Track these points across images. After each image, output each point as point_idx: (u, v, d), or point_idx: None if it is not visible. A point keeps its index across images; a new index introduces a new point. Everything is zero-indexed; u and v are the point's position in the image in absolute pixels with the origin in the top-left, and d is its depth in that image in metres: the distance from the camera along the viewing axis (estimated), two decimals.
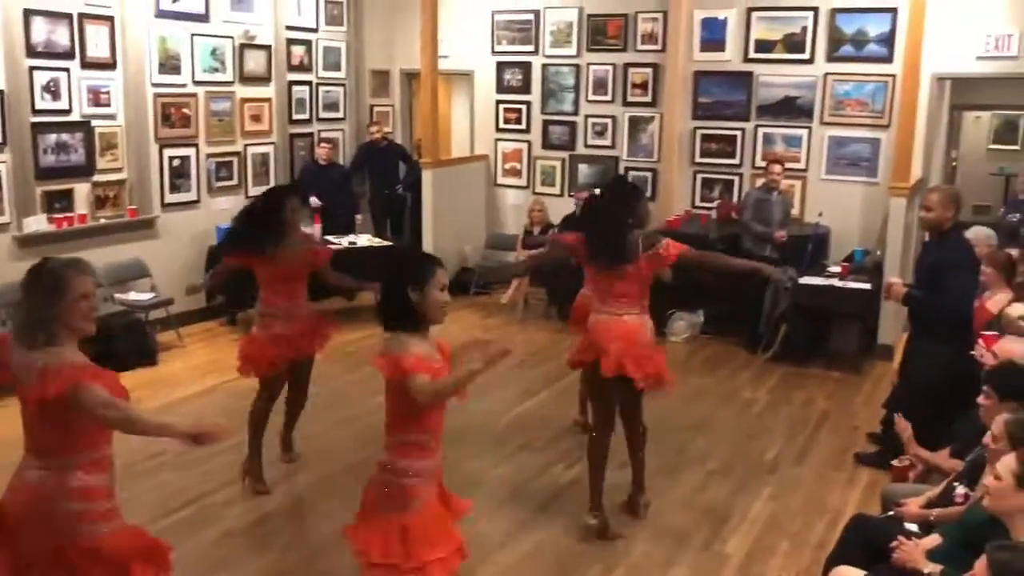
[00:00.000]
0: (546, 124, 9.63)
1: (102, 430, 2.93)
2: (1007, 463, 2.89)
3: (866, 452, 5.68)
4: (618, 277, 4.46)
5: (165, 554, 3.04)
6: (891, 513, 3.90)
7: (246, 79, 8.76)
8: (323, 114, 9.83)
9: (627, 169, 9.15)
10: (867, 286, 7.32)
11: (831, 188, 8.24)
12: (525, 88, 9.68)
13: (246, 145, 8.88)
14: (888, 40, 7.85)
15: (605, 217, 4.56)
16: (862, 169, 8.12)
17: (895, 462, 4.53)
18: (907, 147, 7.48)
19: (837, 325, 7.72)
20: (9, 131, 6.81)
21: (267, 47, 8.93)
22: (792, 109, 8.35)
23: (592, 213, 4.83)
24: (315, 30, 9.56)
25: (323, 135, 9.73)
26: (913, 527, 3.65)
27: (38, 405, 2.82)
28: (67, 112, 7.24)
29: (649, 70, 8.97)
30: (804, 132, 8.34)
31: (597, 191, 5.87)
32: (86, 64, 7.32)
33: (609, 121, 9.27)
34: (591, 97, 9.32)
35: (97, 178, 7.54)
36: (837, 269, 7.59)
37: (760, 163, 8.34)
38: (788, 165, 7.98)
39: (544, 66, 9.53)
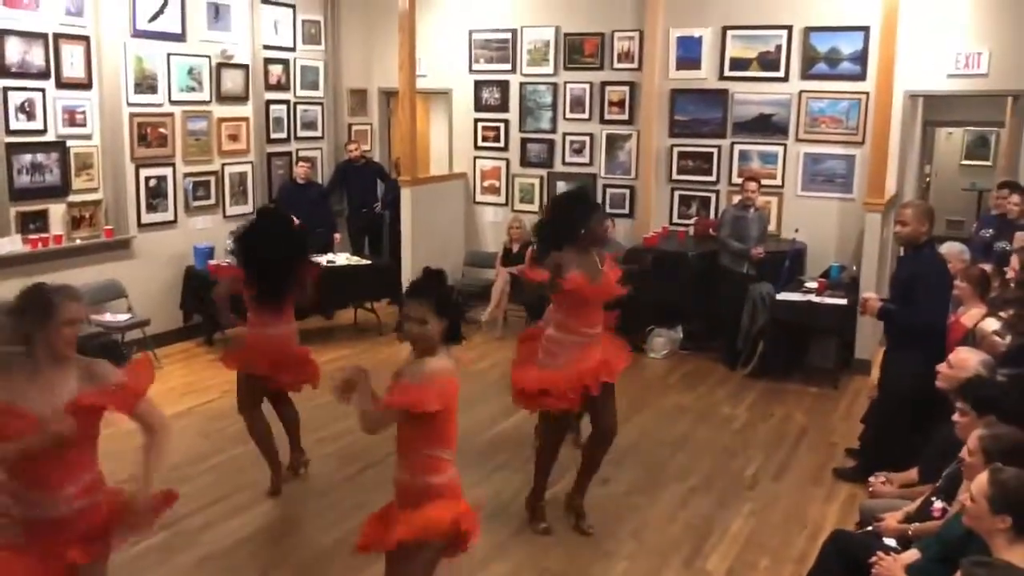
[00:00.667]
0: (524, 142, 9.66)
1: None
2: (980, 484, 2.90)
3: (844, 467, 5.71)
4: None
5: None
6: (870, 528, 3.92)
7: (223, 98, 8.73)
8: (301, 133, 9.81)
9: (605, 186, 9.21)
10: (843, 301, 7.38)
11: (807, 204, 8.31)
12: (503, 106, 9.71)
13: (223, 164, 8.84)
14: (861, 58, 7.95)
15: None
16: (837, 185, 8.21)
17: (872, 479, 4.54)
18: (881, 163, 7.57)
19: (815, 340, 7.78)
20: None
21: (244, 66, 8.91)
22: (768, 126, 8.44)
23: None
24: (293, 49, 9.55)
25: (301, 154, 9.71)
26: (892, 542, 3.66)
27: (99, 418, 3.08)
28: (42, 132, 7.17)
29: (626, 88, 9.03)
30: (780, 149, 8.41)
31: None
32: (61, 84, 7.27)
33: (587, 139, 9.32)
34: (568, 115, 9.37)
35: (72, 198, 7.48)
36: (814, 285, 7.64)
37: (736, 180, 8.40)
38: (764, 182, 8.05)
39: (522, 84, 9.57)
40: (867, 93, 7.90)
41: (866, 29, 7.86)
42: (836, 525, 4.74)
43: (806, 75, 8.21)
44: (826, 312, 7.38)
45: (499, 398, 7.05)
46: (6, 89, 6.87)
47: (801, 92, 8.25)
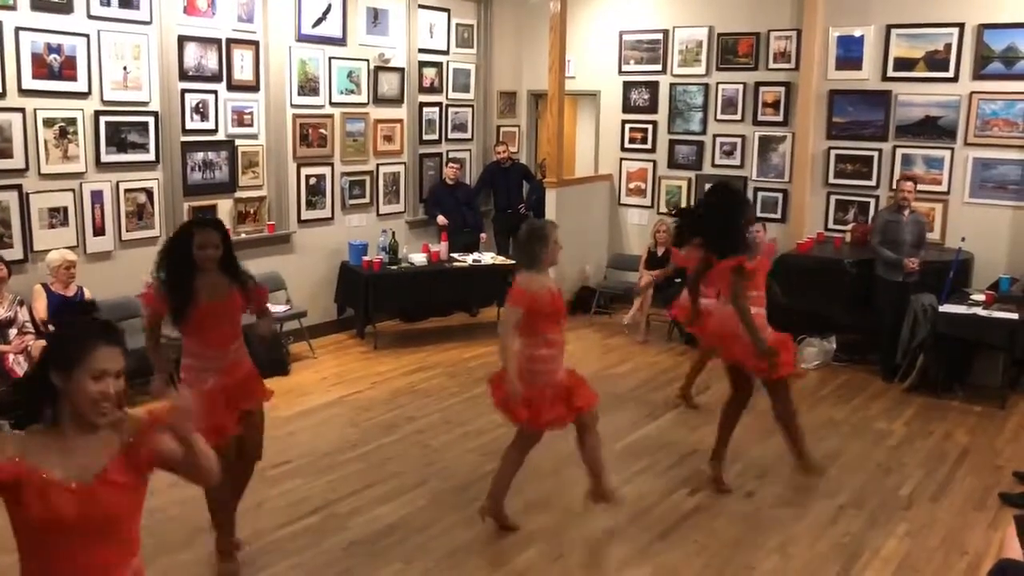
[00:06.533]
0: (672, 143, 9.54)
1: None
2: None
3: (1012, 492, 5.35)
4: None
5: None
6: None
7: (379, 100, 9.03)
8: (452, 135, 10.02)
9: (756, 190, 8.98)
10: (1014, 316, 6.89)
11: (975, 212, 7.84)
12: (652, 108, 9.63)
13: (378, 164, 9.14)
14: None
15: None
16: (1010, 192, 7.70)
17: None
18: None
19: (980, 356, 7.31)
20: (162, 150, 7.23)
21: (400, 70, 9.19)
22: (933, 129, 8.01)
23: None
24: (446, 52, 9.77)
25: (451, 155, 9.93)
26: None
27: None
28: (214, 132, 7.62)
29: (781, 89, 8.78)
30: (946, 153, 7.97)
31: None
32: (232, 86, 7.70)
33: (738, 140, 9.11)
34: (720, 116, 9.19)
35: (239, 194, 7.91)
36: (981, 297, 7.20)
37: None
38: (929, 187, 7.63)
39: (672, 85, 9.46)
40: None
41: None
42: (1001, 554, 4.43)
43: (978, 75, 7.74)
44: (994, 326, 6.93)
45: (639, 402, 7.00)
46: (184, 91, 7.33)
47: (972, 93, 7.78)
